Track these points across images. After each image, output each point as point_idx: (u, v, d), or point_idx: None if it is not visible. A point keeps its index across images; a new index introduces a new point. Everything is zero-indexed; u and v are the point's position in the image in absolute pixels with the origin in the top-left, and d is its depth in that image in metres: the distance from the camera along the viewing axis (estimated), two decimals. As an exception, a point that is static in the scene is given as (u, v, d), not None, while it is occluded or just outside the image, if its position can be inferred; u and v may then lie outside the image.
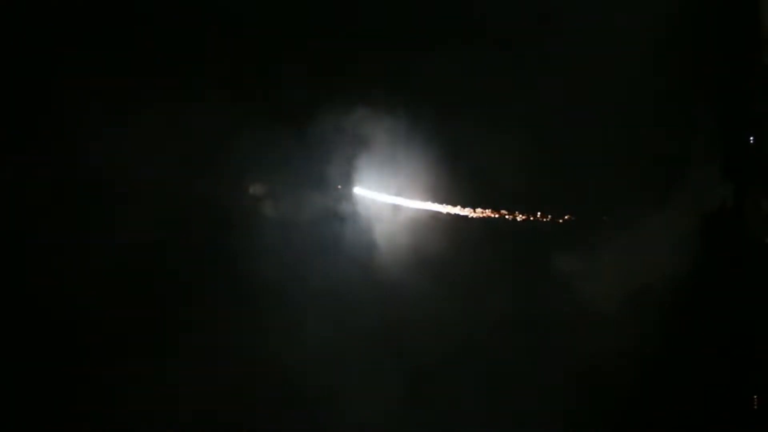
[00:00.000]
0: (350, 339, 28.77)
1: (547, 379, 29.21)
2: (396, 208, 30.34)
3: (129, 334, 27.47)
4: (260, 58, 28.90)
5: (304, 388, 28.13)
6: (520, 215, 30.07)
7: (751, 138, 29.99)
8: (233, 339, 27.87)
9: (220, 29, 28.50)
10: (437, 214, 30.62)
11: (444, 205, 30.41)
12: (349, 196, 29.98)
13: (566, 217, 30.01)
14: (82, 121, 27.45)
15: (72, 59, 27.51)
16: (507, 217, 30.17)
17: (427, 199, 30.45)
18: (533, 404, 28.74)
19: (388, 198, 30.32)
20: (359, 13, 29.47)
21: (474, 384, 29.27)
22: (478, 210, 30.22)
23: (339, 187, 29.68)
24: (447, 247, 30.44)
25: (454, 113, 29.93)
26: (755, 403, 29.21)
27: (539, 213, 29.66)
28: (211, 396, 27.74)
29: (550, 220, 29.89)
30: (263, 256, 28.49)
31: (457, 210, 30.30)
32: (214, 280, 28.40)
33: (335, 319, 28.79)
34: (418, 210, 30.59)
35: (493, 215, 30.26)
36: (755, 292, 29.59)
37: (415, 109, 29.49)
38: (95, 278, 27.09)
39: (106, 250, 27.34)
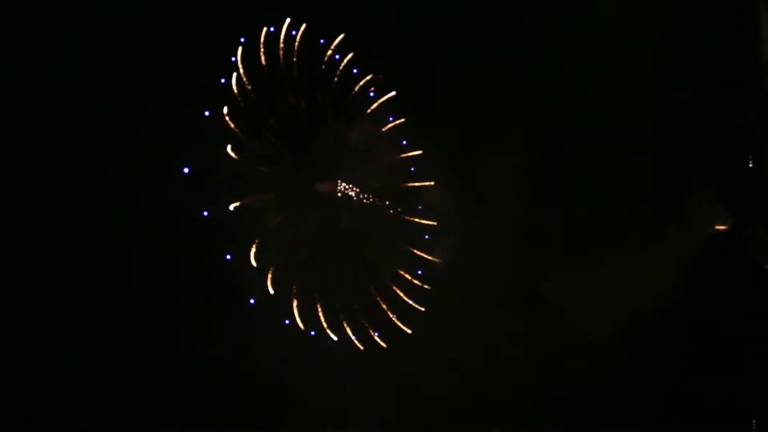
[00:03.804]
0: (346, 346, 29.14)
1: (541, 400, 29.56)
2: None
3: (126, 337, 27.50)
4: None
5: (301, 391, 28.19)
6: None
7: (750, 163, 30.33)
8: (228, 345, 27.78)
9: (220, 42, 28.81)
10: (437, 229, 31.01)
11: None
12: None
13: None
14: (81, 126, 27.76)
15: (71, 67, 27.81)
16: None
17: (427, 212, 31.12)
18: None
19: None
20: (366, 28, 30.12)
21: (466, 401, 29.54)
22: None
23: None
24: (444, 261, 30.84)
25: (455, 128, 30.40)
26: (754, 426, 29.19)
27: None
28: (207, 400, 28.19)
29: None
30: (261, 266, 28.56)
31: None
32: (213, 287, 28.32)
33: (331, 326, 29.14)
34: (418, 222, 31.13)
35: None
36: (753, 317, 29.73)
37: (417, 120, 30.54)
38: (93, 280, 27.03)
39: (103, 255, 27.24)
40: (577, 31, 29.47)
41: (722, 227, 30.12)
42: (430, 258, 31.15)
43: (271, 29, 29.28)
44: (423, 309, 30.57)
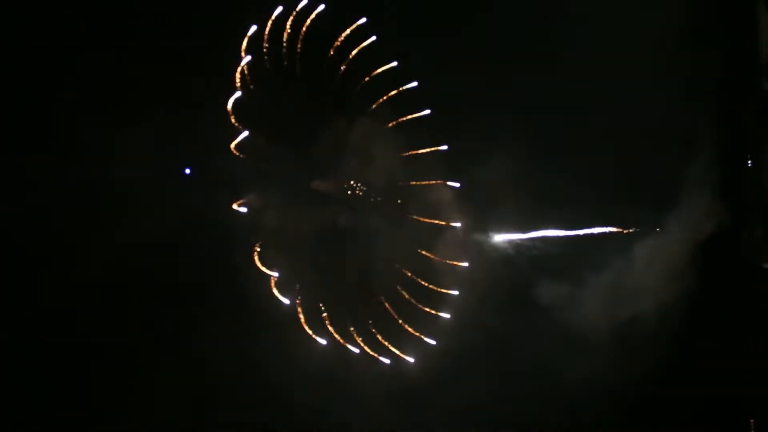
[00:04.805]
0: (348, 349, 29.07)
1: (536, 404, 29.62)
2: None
3: (127, 336, 27.61)
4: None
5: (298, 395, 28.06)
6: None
7: (749, 162, 30.31)
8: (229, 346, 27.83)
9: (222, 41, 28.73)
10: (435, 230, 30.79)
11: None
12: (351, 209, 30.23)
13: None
14: (83, 125, 27.48)
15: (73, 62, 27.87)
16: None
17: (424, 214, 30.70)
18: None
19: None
20: (364, 32, 29.84)
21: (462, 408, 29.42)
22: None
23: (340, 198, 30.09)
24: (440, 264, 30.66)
25: (454, 130, 30.24)
26: (752, 427, 29.18)
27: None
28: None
29: None
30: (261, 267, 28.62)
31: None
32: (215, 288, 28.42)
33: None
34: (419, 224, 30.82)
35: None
36: (751, 317, 29.69)
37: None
38: (93, 280, 27.08)
39: (105, 254, 27.31)
40: (574, 30, 29.30)
41: (720, 229, 29.89)
42: (456, 263, 30.47)
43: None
44: (448, 316, 29.98)
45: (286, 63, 29.16)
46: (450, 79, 29.97)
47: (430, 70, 29.97)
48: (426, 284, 30.13)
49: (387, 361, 29.25)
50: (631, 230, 30.65)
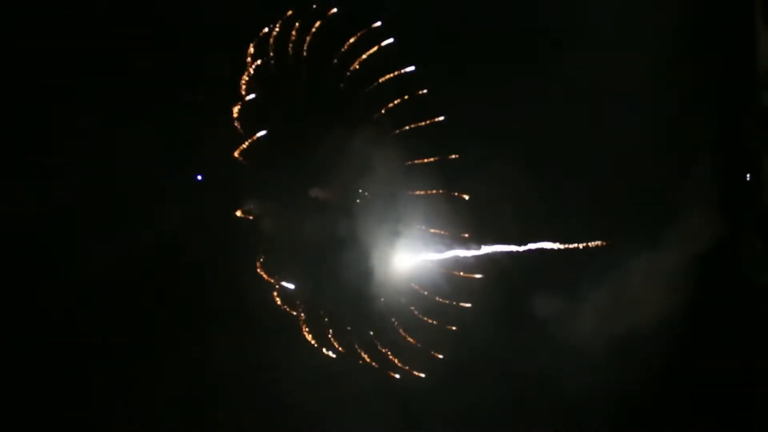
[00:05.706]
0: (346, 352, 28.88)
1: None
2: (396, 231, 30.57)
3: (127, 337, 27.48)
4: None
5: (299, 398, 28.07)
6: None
7: (748, 176, 30.47)
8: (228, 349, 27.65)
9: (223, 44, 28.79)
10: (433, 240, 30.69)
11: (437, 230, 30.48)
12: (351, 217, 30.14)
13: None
14: (83, 125, 27.61)
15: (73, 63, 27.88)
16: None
17: (425, 225, 30.55)
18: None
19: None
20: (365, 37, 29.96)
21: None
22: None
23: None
24: (441, 275, 30.57)
25: (453, 139, 30.25)
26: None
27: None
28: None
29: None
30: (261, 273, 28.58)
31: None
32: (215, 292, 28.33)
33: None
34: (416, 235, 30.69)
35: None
36: (750, 333, 29.68)
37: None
38: (94, 281, 26.96)
39: (105, 256, 27.22)
40: (573, 36, 29.36)
41: (718, 243, 29.92)
42: (469, 275, 30.42)
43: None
44: (454, 328, 30.05)
45: (290, 68, 29.25)
46: (449, 86, 30.04)
47: (429, 79, 30.03)
48: (426, 293, 30.09)
49: (397, 375, 29.13)
50: (629, 243, 30.57)
